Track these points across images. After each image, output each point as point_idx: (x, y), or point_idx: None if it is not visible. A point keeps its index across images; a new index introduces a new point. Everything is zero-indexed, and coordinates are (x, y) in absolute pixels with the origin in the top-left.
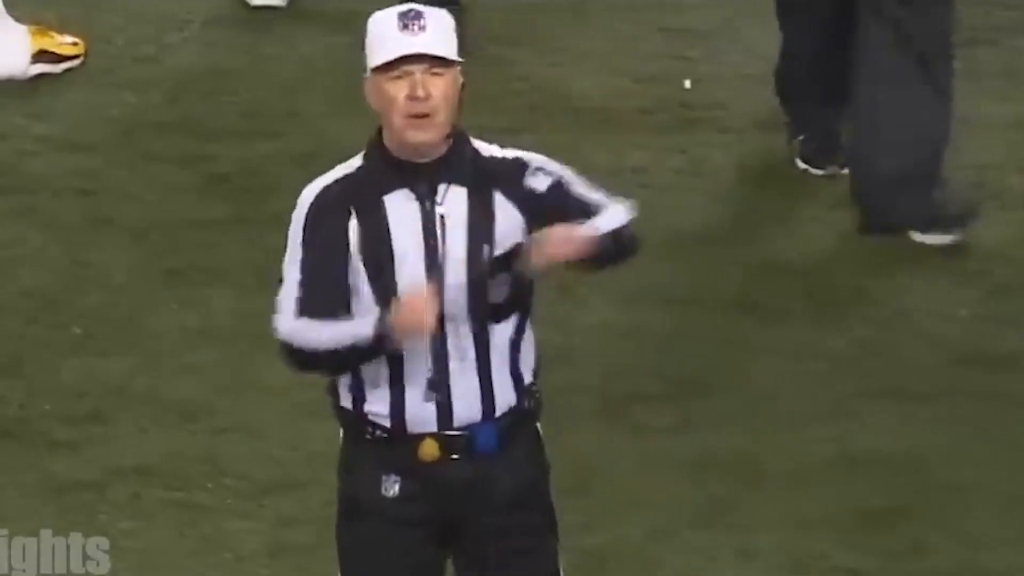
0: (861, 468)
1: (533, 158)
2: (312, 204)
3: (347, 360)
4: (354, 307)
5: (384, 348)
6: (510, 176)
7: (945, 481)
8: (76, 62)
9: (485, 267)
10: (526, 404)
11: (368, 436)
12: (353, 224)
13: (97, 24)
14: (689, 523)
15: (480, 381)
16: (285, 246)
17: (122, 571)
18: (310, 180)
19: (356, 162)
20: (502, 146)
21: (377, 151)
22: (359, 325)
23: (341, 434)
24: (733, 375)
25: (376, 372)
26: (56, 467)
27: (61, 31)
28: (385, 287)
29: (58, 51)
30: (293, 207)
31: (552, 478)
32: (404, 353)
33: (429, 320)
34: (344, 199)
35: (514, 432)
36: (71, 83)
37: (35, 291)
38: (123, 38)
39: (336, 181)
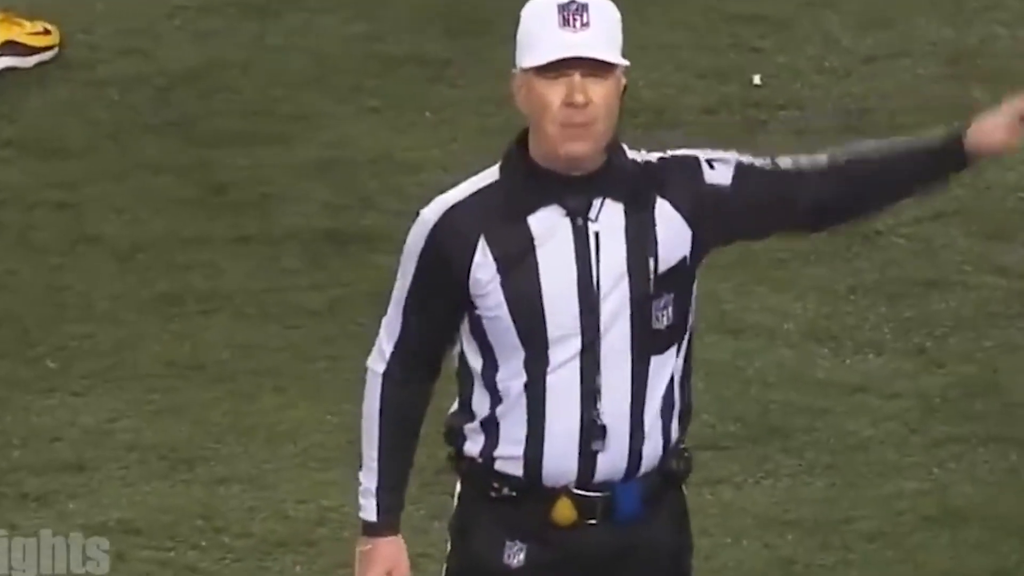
0: (962, 527)
1: (694, 151)
2: (433, 228)
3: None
4: (466, 342)
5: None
6: (677, 180)
7: None
8: (50, 54)
9: (649, 284)
10: (673, 464)
11: (493, 493)
12: (481, 252)
13: (75, 11)
14: None
15: (632, 427)
16: (396, 272)
17: None
18: (325, 193)
19: (491, 175)
20: (649, 150)
21: (520, 161)
22: (369, 498)
23: (458, 488)
24: (813, 418)
25: (514, 411)
26: (27, 523)
27: (32, 18)
28: (532, 319)
29: (28, 42)
30: (304, 227)
31: None
32: (547, 388)
33: None
34: (475, 221)
35: (660, 496)
36: (45, 79)
37: (4, 320)
38: (106, 27)
39: (466, 200)
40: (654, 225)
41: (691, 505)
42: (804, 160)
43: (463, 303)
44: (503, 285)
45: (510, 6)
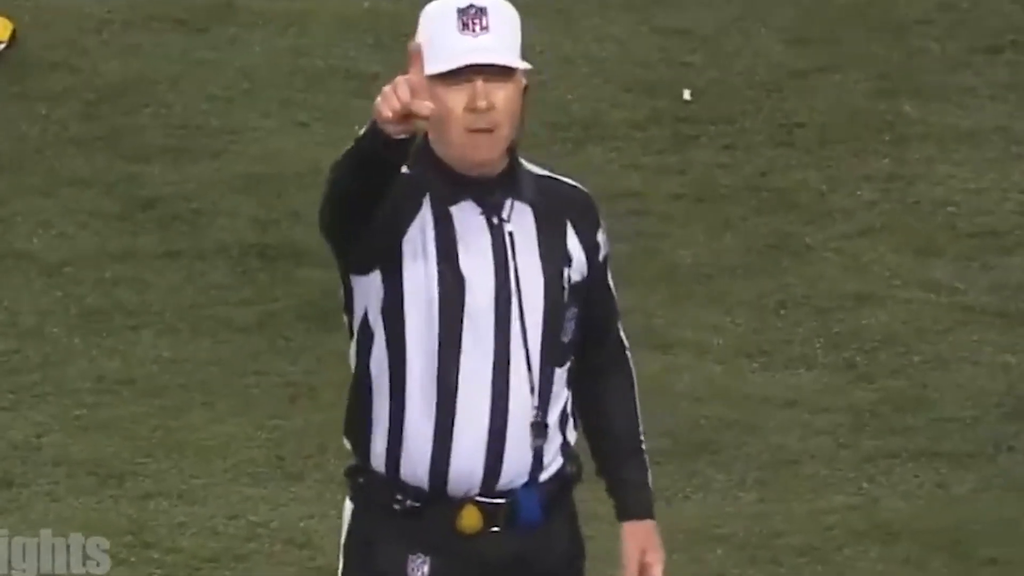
0: (892, 542)
1: (599, 206)
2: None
3: (359, 170)
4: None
5: (381, 147)
6: (583, 215)
7: (988, 557)
8: None
9: (563, 294)
10: (569, 468)
11: (397, 505)
12: (426, 216)
13: (2, 24)
14: None
15: (534, 434)
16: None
17: None
18: (254, 207)
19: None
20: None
21: (430, 161)
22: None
23: (349, 507)
24: (743, 433)
25: (422, 417)
26: (24, 537)
27: None
28: (452, 295)
29: None
30: (233, 242)
31: None
32: (460, 391)
33: (402, 96)
34: (420, 190)
35: (557, 501)
36: None
37: None
38: (33, 41)
39: (408, 175)
40: (566, 239)
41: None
42: (618, 331)
43: (395, 237)
44: (435, 265)
45: None
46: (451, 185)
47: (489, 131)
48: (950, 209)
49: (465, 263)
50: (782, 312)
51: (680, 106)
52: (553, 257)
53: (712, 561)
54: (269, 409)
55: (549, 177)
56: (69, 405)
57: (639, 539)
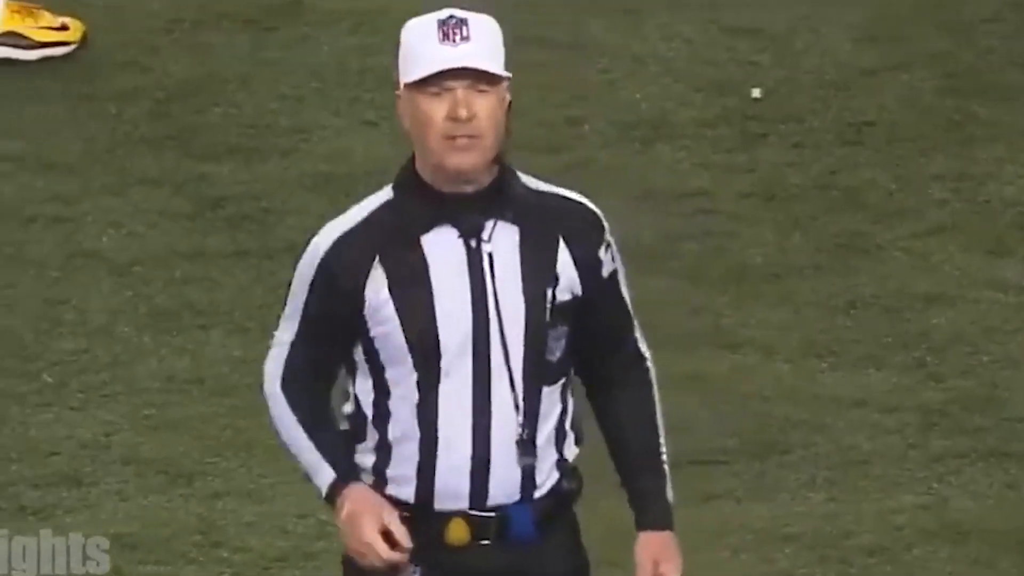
0: (962, 542)
1: (605, 222)
2: (323, 259)
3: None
4: (366, 360)
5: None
6: (580, 231)
7: None
8: (61, 50)
9: (545, 313)
10: (566, 484)
11: None
12: (377, 272)
13: (73, 25)
14: None
15: (522, 453)
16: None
17: None
18: (323, 206)
19: (384, 195)
20: (548, 181)
21: (412, 181)
22: (320, 466)
23: None
24: (812, 433)
25: (406, 435)
26: (24, 536)
27: (58, 13)
28: (424, 338)
29: (33, 35)
30: (302, 240)
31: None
32: (440, 412)
33: (378, 550)
34: (368, 246)
35: (554, 517)
36: (43, 93)
37: (1, 335)
38: (104, 41)
39: (358, 225)
40: (556, 258)
41: (689, 519)
42: (634, 342)
43: (355, 329)
44: (397, 303)
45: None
46: (431, 208)
47: (470, 139)
48: (1020, 209)
49: (439, 292)
50: (851, 312)
51: (749, 105)
52: (536, 277)
53: (781, 561)
54: None
55: (549, 193)
56: (138, 404)
57: (652, 550)
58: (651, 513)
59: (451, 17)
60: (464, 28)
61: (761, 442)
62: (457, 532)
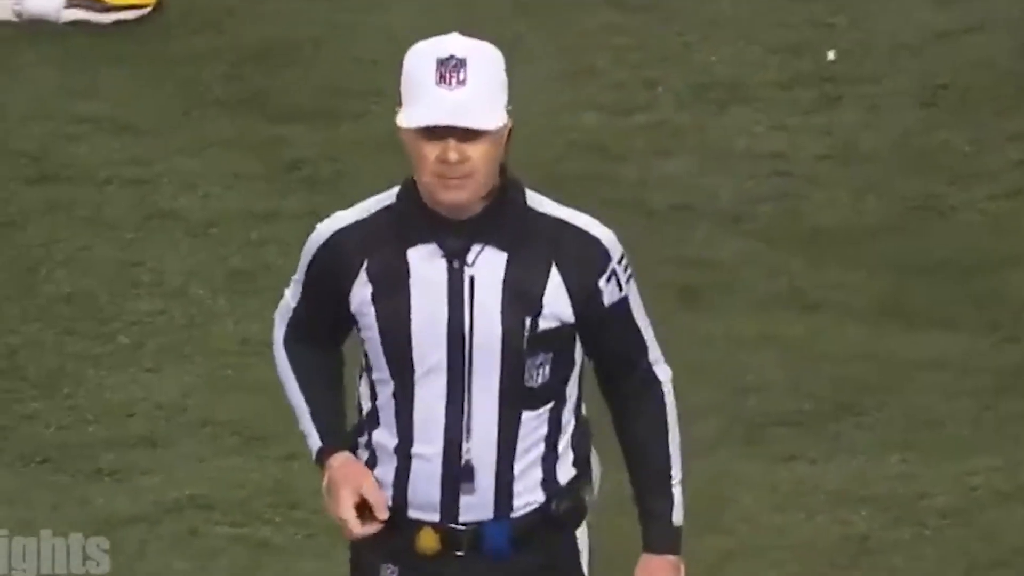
0: None
1: (612, 249)
2: (323, 246)
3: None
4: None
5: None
6: (577, 259)
7: None
8: (133, 14)
9: (522, 340)
10: (554, 506)
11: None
12: (362, 278)
13: None
14: (833, 566)
15: (497, 474)
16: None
17: None
18: (397, 168)
19: (389, 198)
20: (563, 202)
21: (411, 192)
22: (311, 431)
23: None
24: (887, 394)
25: (387, 437)
26: (99, 499)
27: None
28: (399, 349)
29: None
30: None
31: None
32: (415, 423)
33: (350, 527)
34: (359, 248)
35: (536, 536)
36: (119, 55)
37: (77, 296)
38: (178, 4)
39: (357, 223)
40: (544, 285)
41: (765, 481)
42: (648, 367)
43: (346, 315)
44: (376, 311)
45: None
46: (422, 223)
47: (462, 178)
48: None
49: (416, 307)
50: (926, 274)
51: (824, 67)
52: (517, 304)
53: (857, 522)
54: None
55: (552, 217)
56: (214, 366)
57: (650, 572)
58: (654, 536)
59: (451, 57)
60: (462, 71)
61: (836, 404)
62: (427, 541)
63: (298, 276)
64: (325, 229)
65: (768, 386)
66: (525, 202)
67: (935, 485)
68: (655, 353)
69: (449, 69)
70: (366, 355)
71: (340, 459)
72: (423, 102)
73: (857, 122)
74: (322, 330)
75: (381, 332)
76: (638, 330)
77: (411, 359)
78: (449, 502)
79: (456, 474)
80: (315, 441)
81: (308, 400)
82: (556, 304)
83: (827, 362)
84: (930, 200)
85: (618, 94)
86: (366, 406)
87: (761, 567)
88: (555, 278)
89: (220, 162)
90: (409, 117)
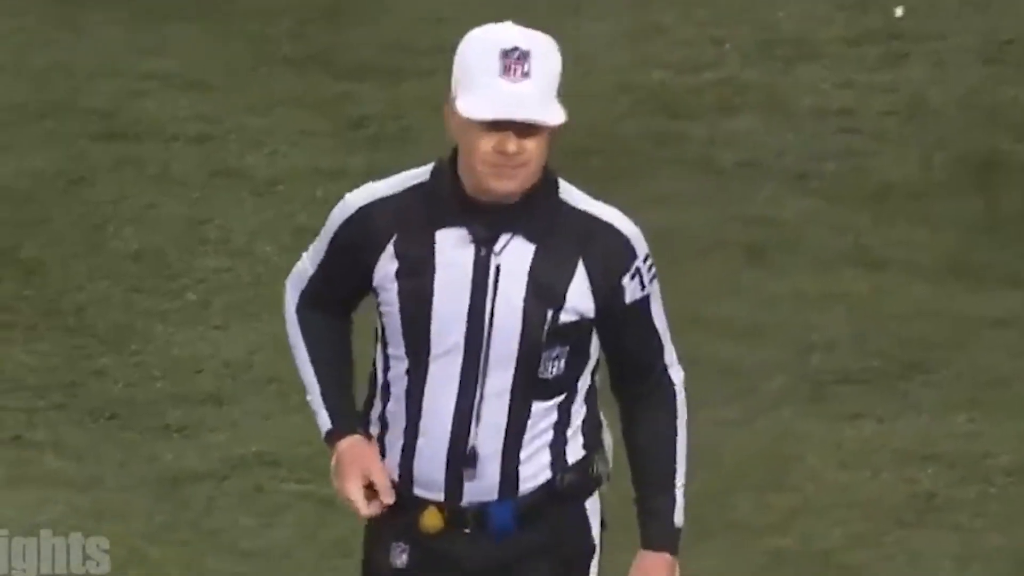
0: None
1: (638, 247)
2: (351, 218)
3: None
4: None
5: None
6: (604, 256)
7: None
8: None
9: (542, 333)
10: (560, 481)
11: None
12: (388, 253)
13: None
14: (899, 523)
15: (503, 461)
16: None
17: (243, 575)
18: None
19: (422, 175)
20: (596, 197)
21: (446, 175)
22: (320, 410)
23: None
24: (953, 352)
25: (397, 415)
26: (167, 455)
27: None
28: (417, 328)
29: None
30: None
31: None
32: (425, 403)
33: (357, 506)
34: (388, 224)
35: (543, 511)
36: (186, 13)
37: (144, 253)
38: None
39: (388, 197)
40: (569, 280)
41: (831, 439)
42: (662, 369)
43: (367, 287)
44: (399, 287)
45: None
46: (454, 206)
47: (515, 168)
48: None
49: (439, 288)
50: (992, 230)
51: (891, 23)
52: (540, 297)
53: (923, 480)
54: None
55: (583, 212)
56: (281, 324)
57: (644, 569)
58: (652, 533)
59: (515, 49)
60: (526, 63)
61: (902, 362)
62: (431, 520)
63: (320, 244)
64: (355, 200)
65: (834, 344)
66: (558, 194)
67: (1001, 443)
68: (671, 356)
69: (513, 61)
70: (383, 328)
71: (349, 441)
72: (486, 93)
73: (923, 78)
74: (337, 299)
75: (401, 309)
76: (656, 331)
77: (428, 339)
78: (453, 484)
79: (461, 458)
80: (325, 421)
81: (319, 377)
82: (579, 299)
83: (893, 320)
84: (996, 156)
85: (685, 51)
86: (380, 378)
87: (826, 525)
88: (580, 273)
89: (287, 119)
90: (472, 108)
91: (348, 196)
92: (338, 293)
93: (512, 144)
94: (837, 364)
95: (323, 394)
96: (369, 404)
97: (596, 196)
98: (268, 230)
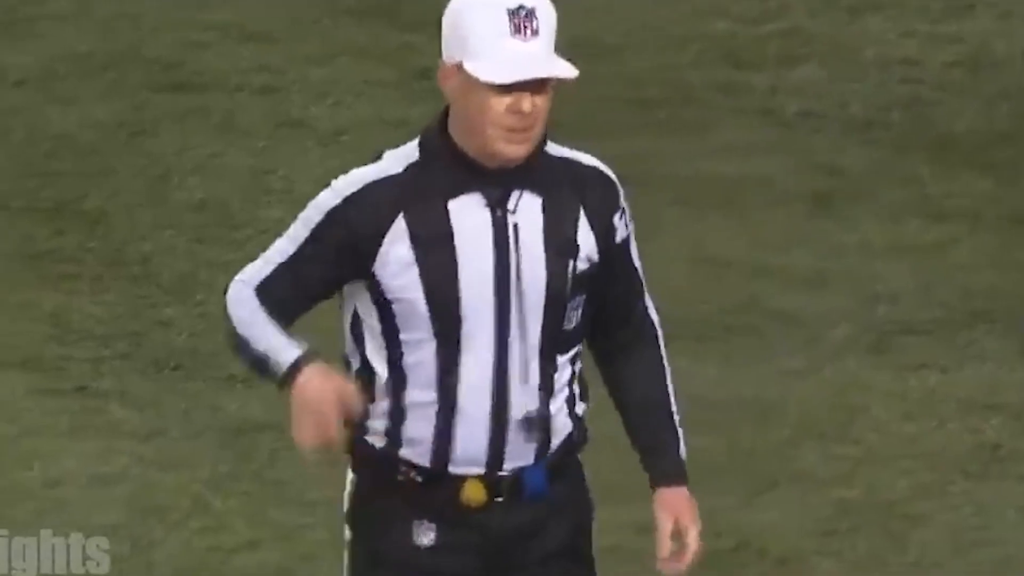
0: None
1: (619, 187)
2: (344, 200)
3: (252, 362)
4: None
5: (281, 387)
6: (599, 197)
7: None
8: None
9: (566, 285)
10: (576, 435)
11: (401, 477)
12: (396, 235)
13: None
14: (964, 474)
15: (540, 419)
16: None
17: (309, 527)
18: None
19: (410, 154)
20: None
21: (442, 145)
22: (282, 348)
23: (350, 477)
24: (1018, 302)
25: (422, 404)
26: (231, 406)
27: None
28: (446, 306)
29: None
30: None
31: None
32: (461, 380)
33: (325, 431)
34: (394, 200)
35: (562, 466)
36: None
37: (209, 203)
38: None
39: (388, 178)
40: (576, 226)
41: (896, 389)
42: (644, 308)
43: (347, 282)
44: (420, 267)
45: None
46: (461, 175)
47: (526, 130)
48: None
49: (463, 261)
50: None
51: None
52: (559, 248)
53: (988, 431)
54: None
55: (571, 159)
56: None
57: (672, 506)
58: (667, 468)
59: (520, 8)
60: (534, 20)
61: (967, 312)
62: (474, 493)
63: (292, 239)
64: (349, 183)
65: (898, 294)
66: (547, 146)
67: None
68: (648, 296)
69: (522, 20)
70: (391, 317)
71: (310, 374)
72: (499, 55)
73: (988, 29)
74: (292, 301)
75: (427, 291)
76: (636, 270)
77: (458, 315)
78: (494, 455)
79: (504, 426)
80: (291, 353)
81: (277, 327)
82: (587, 244)
83: (957, 270)
84: None
85: (750, 1)
86: (386, 372)
87: (891, 476)
88: (583, 219)
89: (350, 70)
90: (490, 72)
91: (336, 183)
92: (301, 292)
93: (527, 103)
94: (902, 314)
95: (285, 334)
96: (365, 389)
97: (659, 146)
98: (333, 180)
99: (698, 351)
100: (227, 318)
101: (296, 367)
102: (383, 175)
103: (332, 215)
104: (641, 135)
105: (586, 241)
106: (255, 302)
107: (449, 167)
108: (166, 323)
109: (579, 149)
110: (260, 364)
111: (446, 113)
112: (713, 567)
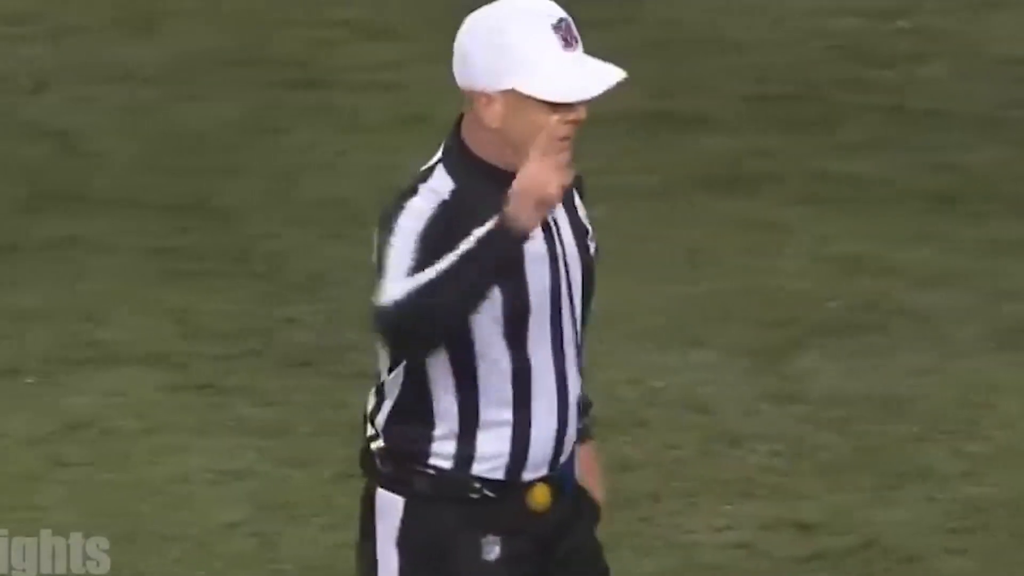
0: None
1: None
2: (435, 213)
3: (465, 288)
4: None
5: (507, 251)
6: (579, 180)
7: None
8: None
9: (592, 273)
10: (587, 420)
11: (474, 494)
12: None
13: None
14: None
15: (580, 411)
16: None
17: None
18: (654, 73)
19: (444, 181)
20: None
21: (475, 167)
22: (475, 234)
23: (395, 500)
24: None
25: (495, 416)
26: (358, 402)
27: None
28: (519, 317)
29: None
30: (633, 106)
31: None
32: (533, 386)
33: (556, 183)
34: (463, 216)
35: (576, 455)
36: None
37: (334, 200)
38: None
39: (449, 197)
40: (579, 207)
41: (1023, 386)
42: None
43: None
44: (499, 283)
45: None
46: (505, 184)
47: (570, 139)
48: None
49: (529, 265)
50: None
51: None
52: (580, 233)
53: None
54: (671, 274)
55: None
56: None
57: (590, 461)
58: (588, 426)
59: (561, 20)
60: (572, 28)
61: None
62: (541, 497)
63: (404, 249)
64: (425, 203)
65: None
66: None
67: None
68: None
69: (565, 32)
70: (458, 338)
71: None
72: (565, 72)
73: None
74: None
75: (505, 303)
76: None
77: (527, 318)
78: (558, 453)
79: (565, 421)
80: (482, 230)
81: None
82: (589, 226)
83: None
84: None
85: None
86: (446, 395)
87: (1019, 473)
88: (578, 200)
89: None
90: (561, 90)
91: (415, 200)
92: None
93: (583, 110)
94: None
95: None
96: (424, 410)
97: (785, 143)
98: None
99: (825, 348)
100: (408, 318)
101: (499, 220)
102: (445, 196)
103: (431, 225)
104: (767, 132)
105: (586, 220)
106: (405, 285)
107: (493, 182)
108: (293, 320)
109: (704, 145)
110: (496, 260)
111: (458, 130)
112: (840, 564)
